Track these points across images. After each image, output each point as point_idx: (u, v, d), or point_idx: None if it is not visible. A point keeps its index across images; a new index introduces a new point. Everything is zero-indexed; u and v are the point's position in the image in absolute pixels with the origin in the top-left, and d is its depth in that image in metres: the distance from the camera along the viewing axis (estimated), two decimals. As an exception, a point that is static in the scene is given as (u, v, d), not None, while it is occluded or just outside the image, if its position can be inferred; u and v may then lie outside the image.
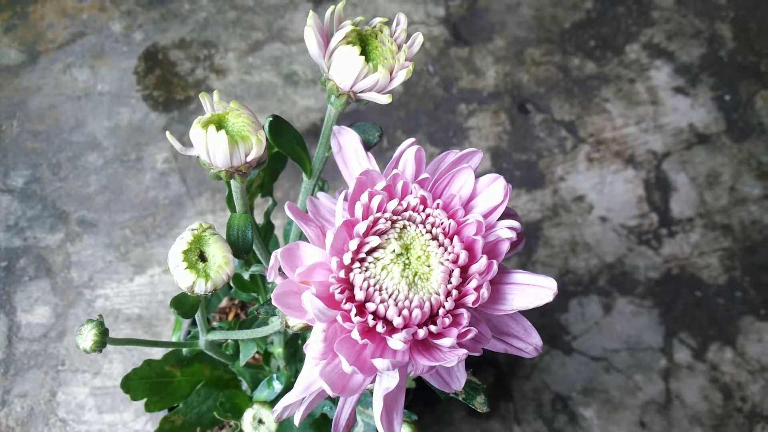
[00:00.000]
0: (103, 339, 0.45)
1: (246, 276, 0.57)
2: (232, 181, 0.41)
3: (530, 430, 1.03)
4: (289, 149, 0.45)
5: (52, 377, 1.02)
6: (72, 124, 1.21)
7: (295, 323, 0.41)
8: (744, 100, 1.31)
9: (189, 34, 1.31)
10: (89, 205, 1.14)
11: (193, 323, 0.80)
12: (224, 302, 0.78)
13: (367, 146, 0.43)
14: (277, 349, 0.62)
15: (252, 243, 0.42)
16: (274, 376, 0.59)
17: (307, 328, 0.42)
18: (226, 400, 0.59)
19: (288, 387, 0.59)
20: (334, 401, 0.59)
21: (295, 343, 0.64)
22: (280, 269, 0.40)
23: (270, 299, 0.49)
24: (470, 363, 0.52)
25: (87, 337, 0.45)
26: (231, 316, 0.86)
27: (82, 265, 1.09)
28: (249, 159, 0.37)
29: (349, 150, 0.42)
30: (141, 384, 0.57)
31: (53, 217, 1.13)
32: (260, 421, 0.52)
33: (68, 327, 1.05)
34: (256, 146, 0.37)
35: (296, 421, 0.38)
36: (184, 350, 0.57)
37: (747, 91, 1.32)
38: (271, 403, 0.51)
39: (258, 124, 0.37)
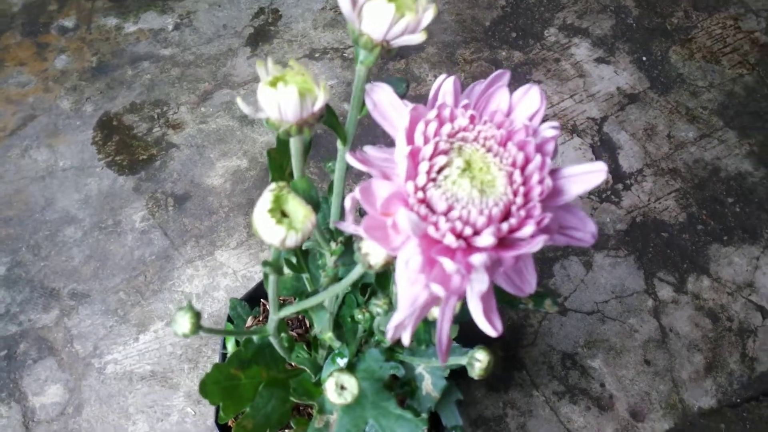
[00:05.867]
0: (198, 321, 0.47)
1: (294, 260, 0.61)
2: (292, 141, 0.44)
3: (549, 391, 1.08)
4: (326, 119, 0.50)
5: (78, 452, 1.01)
6: (42, 203, 1.21)
7: (377, 261, 0.45)
8: (659, 58, 1.44)
9: (138, 97, 1.34)
10: (77, 277, 1.14)
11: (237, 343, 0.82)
12: (249, 321, 0.81)
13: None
14: (327, 334, 0.65)
15: (319, 200, 0.45)
16: (335, 351, 0.62)
17: (389, 263, 0.45)
18: (297, 385, 0.61)
19: (351, 361, 0.62)
20: (400, 362, 0.63)
21: (340, 328, 0.67)
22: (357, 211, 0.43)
23: (343, 253, 0.52)
24: (481, 339, 0.55)
25: (183, 322, 0.46)
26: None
27: (85, 336, 1.09)
28: (316, 109, 0.41)
29: (384, 102, 0.46)
30: (215, 388, 0.59)
31: (44, 296, 1.12)
32: (342, 387, 0.55)
33: (84, 399, 1.04)
34: (322, 94, 0.40)
35: (405, 341, 0.41)
36: (254, 337, 0.60)
37: (660, 49, 1.45)
38: (347, 370, 0.55)
39: (316, 79, 0.42)
